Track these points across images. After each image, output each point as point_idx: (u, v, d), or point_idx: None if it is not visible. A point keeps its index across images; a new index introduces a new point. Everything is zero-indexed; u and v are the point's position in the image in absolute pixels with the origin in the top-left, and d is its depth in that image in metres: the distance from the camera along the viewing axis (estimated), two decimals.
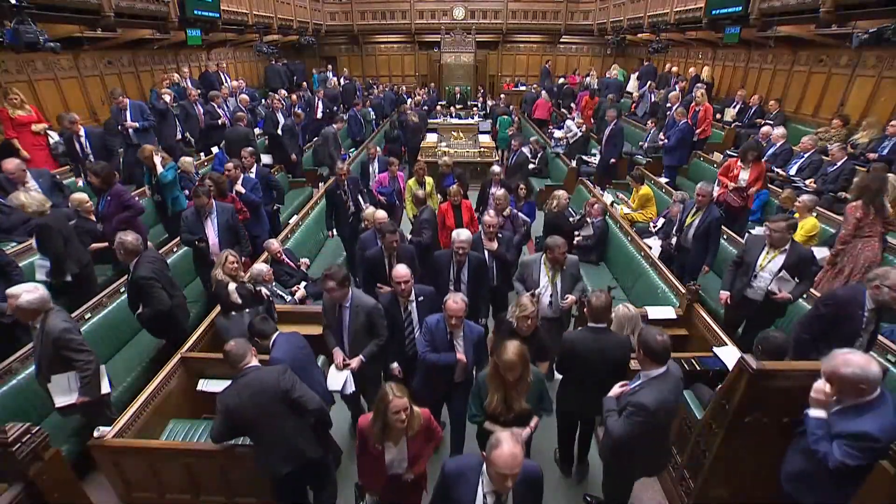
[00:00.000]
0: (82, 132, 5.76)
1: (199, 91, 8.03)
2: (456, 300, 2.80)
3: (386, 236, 3.73)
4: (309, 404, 2.50)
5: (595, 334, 2.84)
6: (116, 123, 6.35)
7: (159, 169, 5.22)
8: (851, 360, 1.96)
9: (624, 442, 2.44)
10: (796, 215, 4.79)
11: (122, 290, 4.05)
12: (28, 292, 2.74)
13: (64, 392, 2.84)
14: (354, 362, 3.14)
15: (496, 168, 5.86)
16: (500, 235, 4.14)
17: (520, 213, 5.17)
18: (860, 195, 4.05)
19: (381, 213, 4.42)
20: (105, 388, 3.02)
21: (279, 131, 8.07)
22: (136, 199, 4.86)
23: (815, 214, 4.81)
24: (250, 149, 5.81)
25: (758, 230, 5.37)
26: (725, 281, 3.98)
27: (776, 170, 6.24)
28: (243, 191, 5.24)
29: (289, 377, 2.49)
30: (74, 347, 2.81)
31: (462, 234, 3.60)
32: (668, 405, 2.36)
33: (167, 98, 7.29)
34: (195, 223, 4.39)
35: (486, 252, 4.03)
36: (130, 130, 6.36)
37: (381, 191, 6.02)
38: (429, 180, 5.81)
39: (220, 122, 7.93)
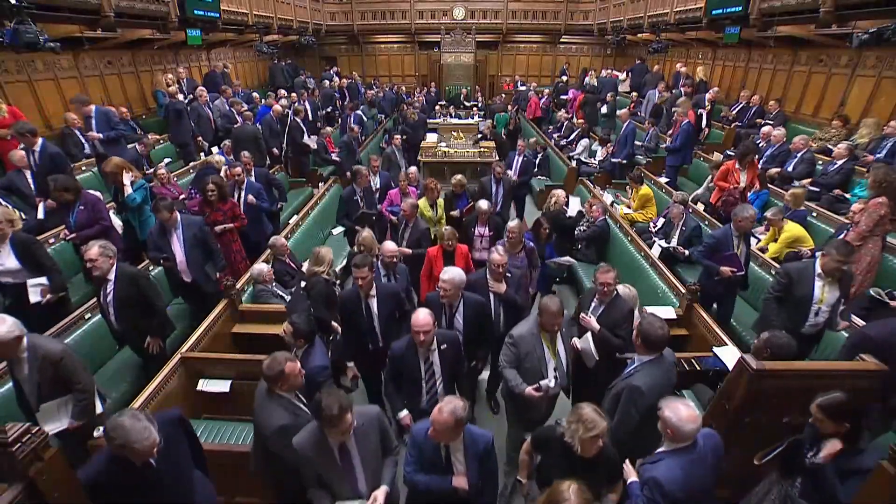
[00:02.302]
0: (38, 146, 4.79)
1: (205, 97, 8.01)
2: (443, 412, 2.06)
3: (353, 271, 3.12)
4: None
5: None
6: (82, 134, 5.87)
7: (128, 190, 4.58)
8: (678, 409, 2.05)
9: (623, 427, 2.48)
10: (770, 233, 4.69)
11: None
12: None
13: (54, 419, 2.66)
14: (381, 495, 2.27)
15: (483, 205, 4.59)
16: (509, 275, 3.47)
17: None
18: (881, 191, 3.82)
19: (390, 245, 3.73)
20: (99, 408, 2.87)
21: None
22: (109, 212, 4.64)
23: (786, 218, 4.73)
24: (247, 153, 5.80)
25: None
26: (775, 321, 3.24)
27: (777, 170, 6.24)
28: (255, 201, 5.21)
29: (278, 442, 2.33)
30: (78, 368, 2.70)
31: (447, 274, 3.02)
32: (660, 388, 2.45)
33: (180, 97, 7.24)
34: (161, 239, 4.06)
35: (491, 296, 3.37)
36: (97, 142, 5.86)
37: (393, 210, 5.18)
38: (439, 202, 5.20)
39: (234, 126, 7.87)
